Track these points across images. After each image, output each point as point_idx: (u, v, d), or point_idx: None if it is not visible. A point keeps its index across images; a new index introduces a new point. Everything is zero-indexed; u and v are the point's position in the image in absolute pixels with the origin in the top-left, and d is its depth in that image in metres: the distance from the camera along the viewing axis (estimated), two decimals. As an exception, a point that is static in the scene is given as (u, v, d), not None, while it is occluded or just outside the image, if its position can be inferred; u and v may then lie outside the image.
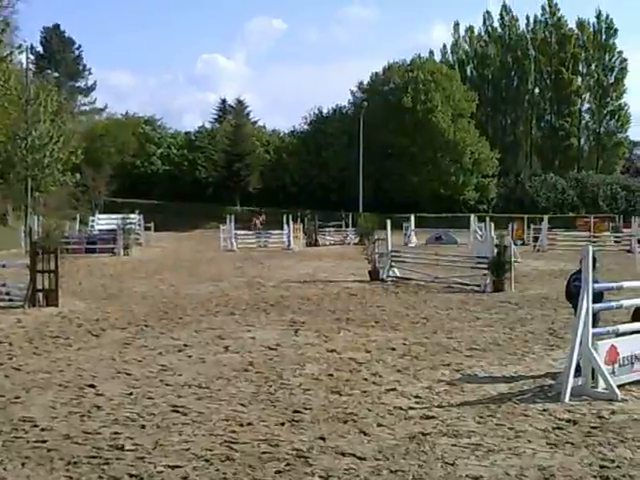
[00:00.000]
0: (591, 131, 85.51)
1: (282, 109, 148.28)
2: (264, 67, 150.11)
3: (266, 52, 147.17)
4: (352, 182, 68.45)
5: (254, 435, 7.31)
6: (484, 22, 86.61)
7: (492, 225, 22.69)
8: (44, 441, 7.13)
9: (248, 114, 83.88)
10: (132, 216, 42.21)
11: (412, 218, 47.36)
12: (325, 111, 79.93)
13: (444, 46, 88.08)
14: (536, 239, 41.32)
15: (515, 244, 29.98)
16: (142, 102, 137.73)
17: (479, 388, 9.26)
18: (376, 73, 78.27)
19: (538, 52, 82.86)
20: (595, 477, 6.27)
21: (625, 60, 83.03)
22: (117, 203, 58.28)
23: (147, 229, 44.51)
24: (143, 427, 7.60)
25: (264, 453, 6.79)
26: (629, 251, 34.61)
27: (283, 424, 7.70)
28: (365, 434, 7.38)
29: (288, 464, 6.53)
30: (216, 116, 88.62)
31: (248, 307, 16.89)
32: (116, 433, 7.38)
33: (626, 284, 11.18)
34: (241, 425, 7.65)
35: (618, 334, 9.60)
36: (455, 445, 7.05)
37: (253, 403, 8.54)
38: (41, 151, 44.35)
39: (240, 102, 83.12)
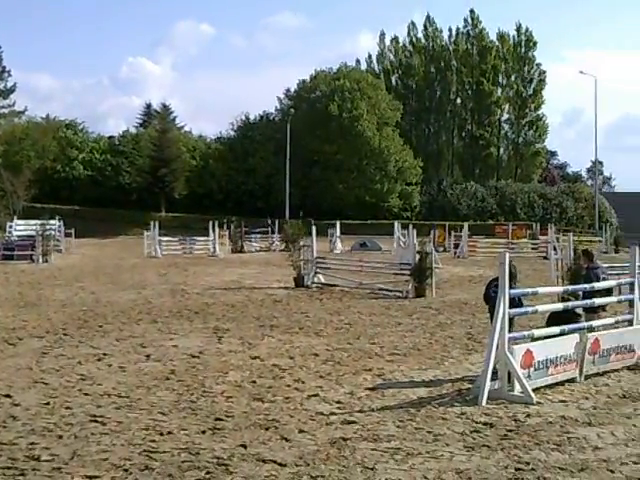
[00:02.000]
0: (510, 141, 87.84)
1: (209, 115, 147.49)
2: (191, 72, 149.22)
3: (193, 57, 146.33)
4: (279, 189, 68.55)
5: (174, 444, 7.25)
6: (409, 33, 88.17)
7: (415, 232, 23.10)
8: (-44, 453, 6.91)
9: (174, 119, 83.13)
10: (52, 222, 41.10)
11: (337, 225, 47.73)
12: (252, 117, 79.95)
13: (369, 56, 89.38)
14: (457, 246, 42.19)
15: (436, 251, 30.55)
16: (65, 105, 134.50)
17: (399, 392, 9.41)
18: (303, 80, 78.69)
19: (460, 63, 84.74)
20: (510, 479, 6.45)
21: (544, 72, 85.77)
22: (36, 208, 56.66)
23: (67, 235, 43.44)
24: (60, 437, 7.46)
25: (184, 462, 6.74)
26: (545, 257, 35.62)
27: (204, 432, 7.66)
28: (286, 440, 7.41)
29: (208, 472, 6.50)
30: (141, 121, 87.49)
31: (171, 315, 16.70)
32: (32, 444, 7.22)
33: (541, 290, 11.54)
34: (161, 434, 7.57)
35: (533, 338, 9.90)
36: (375, 449, 7.14)
37: (174, 412, 8.45)
38: (-43, 154, 42.79)
39: (166, 107, 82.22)
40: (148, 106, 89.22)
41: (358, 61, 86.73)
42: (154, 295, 20.75)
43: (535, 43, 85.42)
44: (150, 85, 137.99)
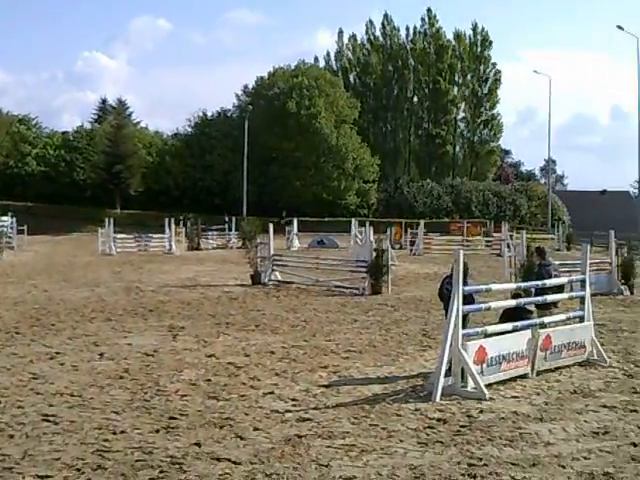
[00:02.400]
0: (465, 139, 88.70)
1: (165, 111, 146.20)
2: (147, 67, 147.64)
3: (150, 52, 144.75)
4: (236, 185, 68.24)
5: (127, 443, 7.18)
6: (367, 31, 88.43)
7: (372, 229, 23.22)
8: None
9: (130, 115, 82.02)
10: (4, 218, 40.46)
11: (295, 222, 47.70)
12: (210, 114, 79.31)
13: (328, 53, 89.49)
14: (413, 243, 42.57)
15: (393, 248, 30.77)
16: (18, 100, 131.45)
17: (354, 389, 9.45)
18: (261, 77, 78.35)
19: (417, 62, 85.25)
20: (463, 475, 6.50)
21: (499, 72, 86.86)
22: (-12, 205, 55.64)
23: (20, 232, 42.62)
24: (12, 437, 7.35)
25: (137, 461, 6.68)
26: (499, 255, 36.06)
27: (158, 431, 7.60)
28: (241, 438, 7.39)
29: (162, 471, 6.46)
30: (96, 116, 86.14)
31: (125, 313, 16.51)
32: (-18, 444, 7.09)
33: (495, 286, 11.69)
34: (114, 433, 7.49)
35: (487, 335, 10.01)
36: (330, 446, 7.16)
37: (127, 411, 8.37)
38: None
39: (121, 102, 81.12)
40: (103, 101, 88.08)
41: (316, 59, 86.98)
42: (108, 293, 20.49)
43: (491, 42, 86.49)
44: (105, 80, 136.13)
